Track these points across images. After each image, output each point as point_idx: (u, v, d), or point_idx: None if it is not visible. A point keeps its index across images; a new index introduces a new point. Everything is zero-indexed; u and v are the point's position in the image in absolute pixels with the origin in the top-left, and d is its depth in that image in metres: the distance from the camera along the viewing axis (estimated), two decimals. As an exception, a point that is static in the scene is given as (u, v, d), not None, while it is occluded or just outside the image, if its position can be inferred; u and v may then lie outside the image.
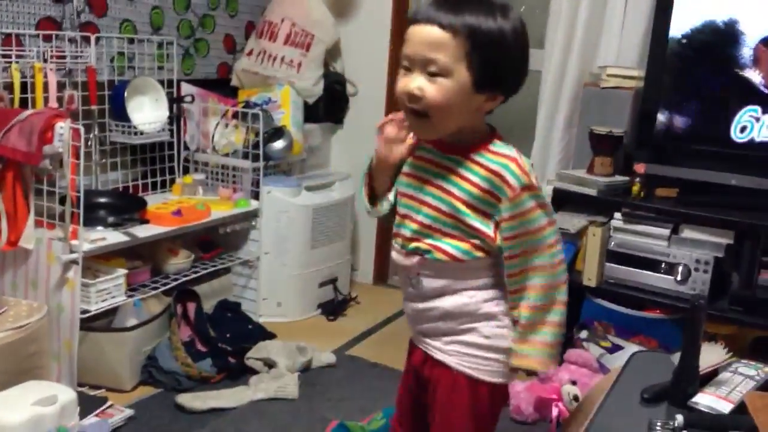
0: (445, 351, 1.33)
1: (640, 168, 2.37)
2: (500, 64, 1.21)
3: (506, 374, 1.33)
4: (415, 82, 1.20)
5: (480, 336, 1.31)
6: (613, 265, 2.36)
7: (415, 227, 1.30)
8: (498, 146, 1.26)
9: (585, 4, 2.63)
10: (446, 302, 1.31)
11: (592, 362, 2.23)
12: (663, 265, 2.28)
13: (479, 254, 1.27)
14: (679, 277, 2.25)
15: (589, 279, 2.36)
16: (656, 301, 2.30)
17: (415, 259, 1.31)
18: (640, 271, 2.32)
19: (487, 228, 1.25)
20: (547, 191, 2.49)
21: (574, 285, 2.40)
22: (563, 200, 2.50)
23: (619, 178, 2.43)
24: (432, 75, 1.19)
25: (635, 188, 2.36)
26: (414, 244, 1.31)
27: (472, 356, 1.31)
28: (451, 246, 1.27)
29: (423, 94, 1.19)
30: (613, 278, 2.36)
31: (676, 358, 1.43)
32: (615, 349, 2.29)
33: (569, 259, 2.44)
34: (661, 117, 2.37)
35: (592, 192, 2.38)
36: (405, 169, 1.34)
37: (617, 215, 2.35)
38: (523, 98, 3.10)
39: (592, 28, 2.66)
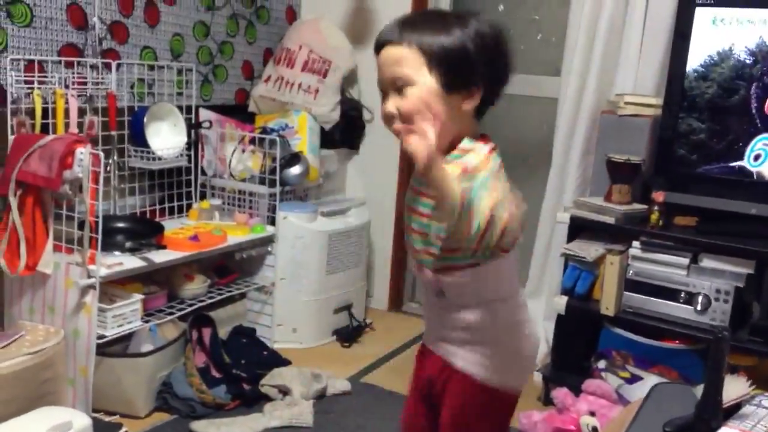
0: (465, 358, 1.34)
1: (658, 196, 2.35)
2: (464, 68, 1.22)
3: (518, 382, 1.38)
4: (388, 105, 1.24)
5: (498, 345, 1.34)
6: (631, 294, 2.33)
7: (409, 235, 1.34)
8: (465, 142, 1.26)
9: (601, 33, 2.63)
10: (475, 316, 1.32)
11: (610, 393, 2.20)
12: (682, 295, 2.25)
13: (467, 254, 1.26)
14: (699, 307, 2.22)
15: (607, 308, 2.34)
16: (676, 331, 2.27)
17: (430, 273, 1.31)
18: (659, 300, 2.29)
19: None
20: (564, 218, 2.48)
21: (592, 314, 2.39)
22: (580, 228, 2.48)
23: (637, 206, 2.41)
24: (401, 90, 1.23)
25: (654, 217, 2.34)
26: (417, 256, 1.33)
27: (490, 362, 1.33)
28: (433, 245, 1.29)
29: (399, 109, 1.23)
30: (631, 307, 2.34)
31: (697, 390, 1.41)
32: (634, 379, 2.26)
33: (585, 287, 2.41)
34: (679, 145, 2.36)
35: (610, 220, 2.36)
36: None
37: (635, 244, 2.33)
38: (540, 125, 3.12)
39: (608, 56, 2.66)
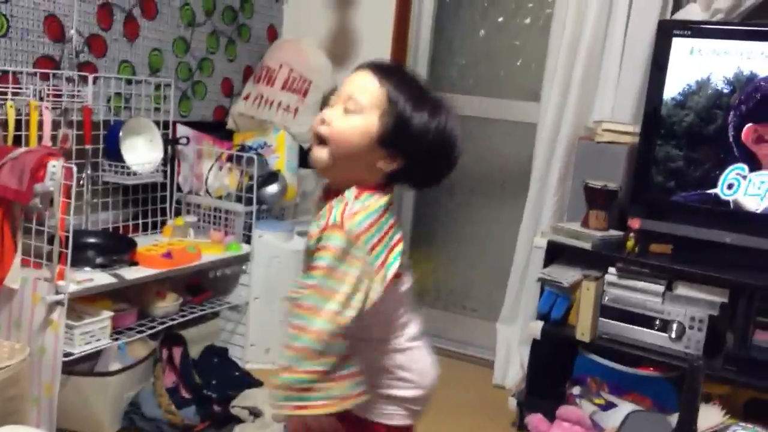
0: None
1: (634, 223, 2.36)
2: (408, 138, 1.24)
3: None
4: (329, 111, 1.28)
5: None
6: (607, 320, 2.33)
7: None
8: (348, 192, 1.25)
9: (581, 60, 2.66)
10: None
11: (585, 420, 2.19)
12: (657, 322, 2.26)
13: None
14: (673, 335, 2.22)
15: (583, 334, 2.33)
16: (650, 359, 2.27)
17: None
18: (634, 327, 2.30)
19: None
20: (541, 243, 2.48)
21: (568, 339, 2.38)
22: (557, 253, 2.48)
23: (613, 232, 2.42)
24: (347, 111, 1.25)
25: (629, 243, 2.35)
26: None
27: None
28: None
29: (330, 121, 1.26)
30: (606, 334, 2.33)
31: (672, 418, 1.40)
32: (608, 406, 2.25)
33: (561, 313, 2.41)
34: (656, 173, 2.38)
35: (587, 245, 2.37)
36: None
37: (611, 270, 2.33)
38: (518, 151, 3.13)
39: (587, 83, 2.68)
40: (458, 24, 3.27)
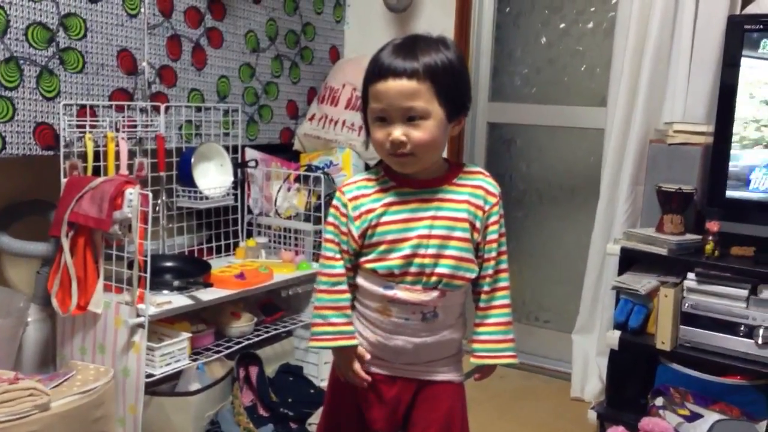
0: (445, 371, 1.49)
1: (713, 226, 2.27)
2: (459, 91, 1.38)
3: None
4: (398, 131, 1.34)
5: (460, 347, 1.53)
6: (687, 327, 2.25)
7: (427, 261, 1.38)
8: (467, 166, 1.46)
9: (647, 61, 2.59)
10: (454, 332, 1.47)
11: (670, 431, 2.11)
12: (742, 328, 2.16)
13: (476, 269, 1.43)
14: (760, 341, 2.12)
15: (663, 342, 2.26)
16: (736, 366, 2.17)
17: (435, 293, 1.40)
18: (718, 334, 2.21)
19: (477, 239, 1.42)
20: (614, 250, 2.42)
21: (647, 349, 2.31)
22: (631, 260, 2.42)
23: (690, 236, 2.34)
24: (411, 120, 1.33)
25: (708, 247, 2.26)
26: (431, 279, 1.39)
27: (459, 364, 1.53)
28: (467, 270, 1.41)
29: (408, 139, 1.33)
30: (688, 342, 2.25)
31: (761, 427, 1.34)
32: (694, 417, 2.16)
33: (639, 321, 2.34)
34: (734, 173, 2.29)
35: (662, 251, 2.30)
36: (389, 217, 1.41)
37: (690, 275, 2.25)
38: (586, 157, 3.07)
39: (655, 84, 2.61)
40: (519, 33, 3.25)
